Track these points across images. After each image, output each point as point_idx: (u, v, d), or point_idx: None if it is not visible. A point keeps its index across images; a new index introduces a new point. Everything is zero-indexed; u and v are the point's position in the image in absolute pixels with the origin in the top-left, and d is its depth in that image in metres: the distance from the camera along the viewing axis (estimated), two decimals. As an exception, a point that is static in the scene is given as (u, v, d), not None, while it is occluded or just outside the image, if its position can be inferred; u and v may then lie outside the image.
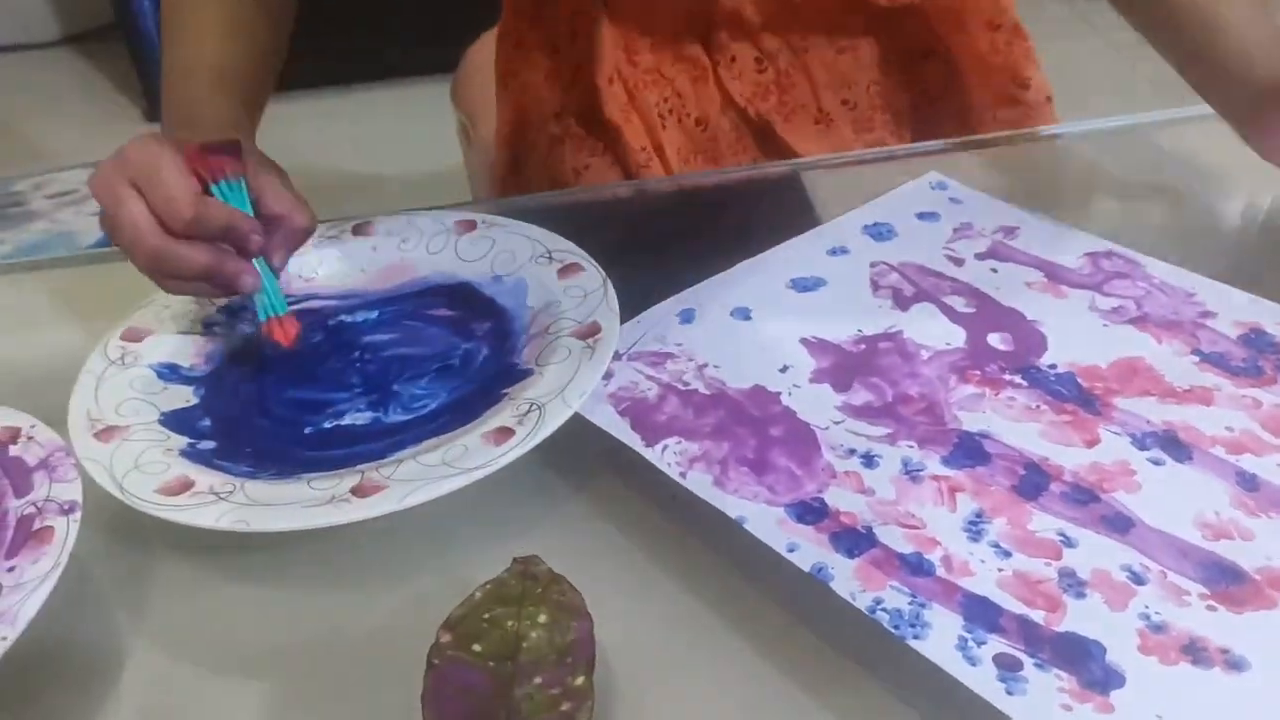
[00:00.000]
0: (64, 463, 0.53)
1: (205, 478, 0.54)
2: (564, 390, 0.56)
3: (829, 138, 0.92)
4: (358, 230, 0.73)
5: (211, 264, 0.58)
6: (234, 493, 0.53)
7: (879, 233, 0.71)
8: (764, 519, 0.50)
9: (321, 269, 0.71)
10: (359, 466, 0.55)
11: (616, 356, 0.59)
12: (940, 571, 0.46)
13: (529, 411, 0.55)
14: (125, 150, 0.58)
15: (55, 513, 0.50)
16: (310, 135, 2.20)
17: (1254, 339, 0.58)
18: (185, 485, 0.53)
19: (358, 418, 0.61)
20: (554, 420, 0.54)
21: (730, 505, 0.50)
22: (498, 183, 1.03)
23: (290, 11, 0.79)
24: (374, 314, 0.69)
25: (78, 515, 0.50)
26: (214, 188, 0.60)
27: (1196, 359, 0.58)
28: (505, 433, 0.54)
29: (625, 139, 0.89)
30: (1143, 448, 0.52)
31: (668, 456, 0.54)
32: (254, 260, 0.61)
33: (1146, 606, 0.44)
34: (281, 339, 0.60)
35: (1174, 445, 0.52)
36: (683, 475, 0.53)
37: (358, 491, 0.52)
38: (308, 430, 0.60)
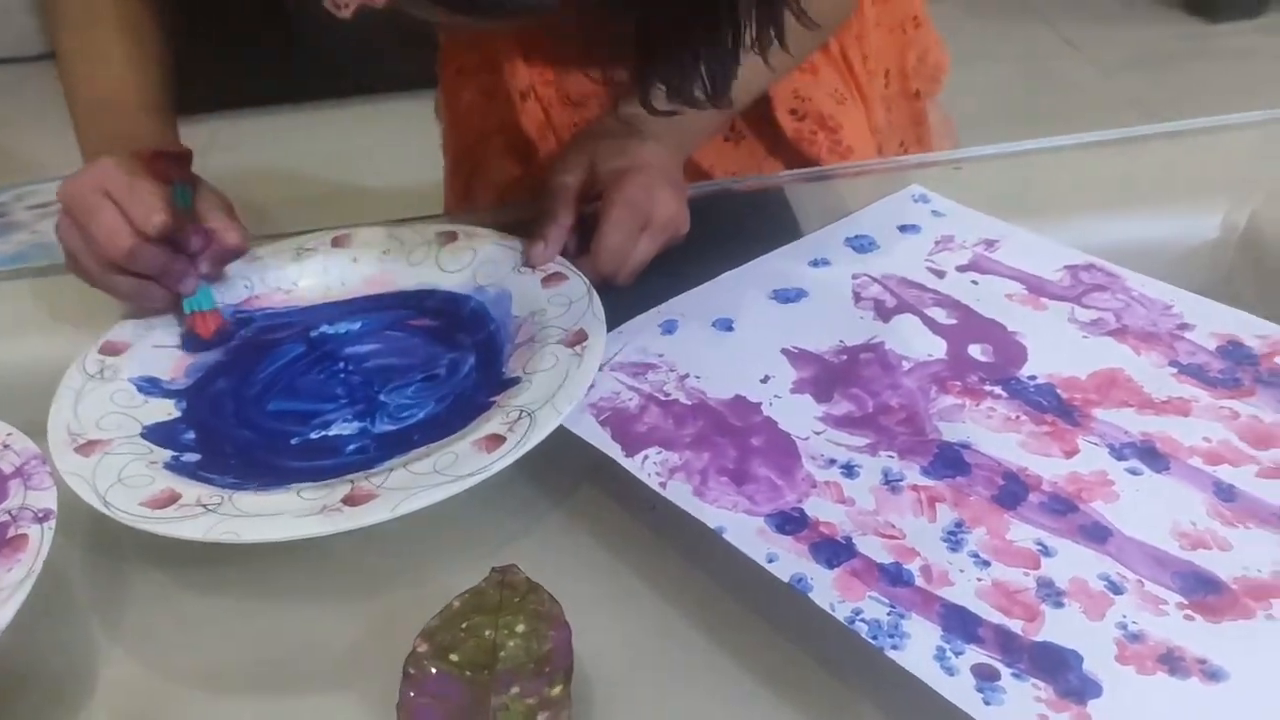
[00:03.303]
0: (39, 471, 0.53)
1: (192, 490, 0.54)
2: (553, 397, 0.56)
3: (737, 153, 0.90)
4: (337, 242, 0.73)
5: (167, 263, 0.65)
6: (222, 504, 0.52)
7: (861, 245, 0.71)
8: (744, 529, 0.50)
9: (301, 281, 0.71)
10: (348, 476, 0.55)
11: (598, 367, 0.59)
12: (919, 581, 0.46)
13: (519, 419, 0.55)
14: (97, 164, 0.65)
15: (30, 521, 0.50)
16: (297, 148, 2.20)
17: (1231, 351, 0.59)
18: (172, 498, 0.53)
19: (344, 428, 0.61)
20: (544, 427, 0.54)
21: (710, 515, 0.50)
22: (454, 199, 1.02)
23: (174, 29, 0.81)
24: (356, 325, 0.69)
25: (52, 523, 0.50)
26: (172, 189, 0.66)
27: (1174, 370, 0.58)
28: (496, 440, 0.54)
29: (541, 159, 0.89)
30: (1121, 458, 0.53)
31: (648, 467, 0.54)
32: None
33: (1124, 616, 0.44)
34: (202, 331, 0.66)
35: (1152, 456, 0.53)
36: (663, 485, 0.52)
37: (349, 501, 0.52)
38: (294, 441, 0.60)
